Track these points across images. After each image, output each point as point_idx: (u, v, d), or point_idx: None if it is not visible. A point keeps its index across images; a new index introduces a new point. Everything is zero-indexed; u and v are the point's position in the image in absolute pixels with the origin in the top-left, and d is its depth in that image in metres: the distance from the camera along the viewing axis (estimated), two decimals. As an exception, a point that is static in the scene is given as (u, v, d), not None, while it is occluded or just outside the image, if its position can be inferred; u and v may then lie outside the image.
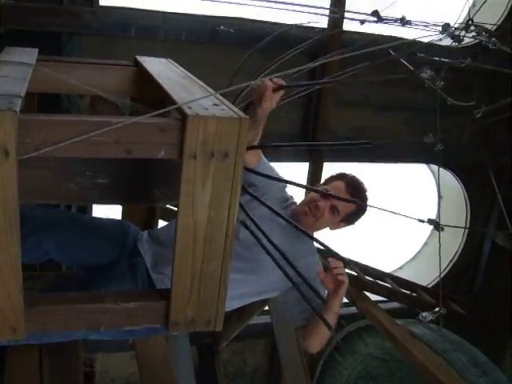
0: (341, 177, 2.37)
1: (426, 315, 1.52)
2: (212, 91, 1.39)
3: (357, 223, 2.43)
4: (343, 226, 2.41)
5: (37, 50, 2.00)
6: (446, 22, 2.10)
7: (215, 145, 1.20)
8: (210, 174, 1.23)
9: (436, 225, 1.34)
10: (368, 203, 2.38)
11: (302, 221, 2.30)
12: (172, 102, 1.30)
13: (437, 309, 1.52)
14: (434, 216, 5.93)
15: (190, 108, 1.22)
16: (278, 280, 2.06)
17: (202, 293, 1.37)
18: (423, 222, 1.39)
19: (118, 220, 2.39)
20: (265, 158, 2.34)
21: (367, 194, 2.38)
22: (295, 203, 2.43)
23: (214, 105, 1.30)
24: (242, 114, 1.24)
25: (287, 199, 2.44)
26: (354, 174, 2.39)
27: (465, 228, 5.65)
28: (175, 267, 1.33)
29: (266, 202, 2.21)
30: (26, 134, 1.13)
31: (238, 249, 2.00)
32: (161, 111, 1.17)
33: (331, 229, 2.39)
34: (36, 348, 2.50)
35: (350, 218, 2.36)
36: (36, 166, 1.47)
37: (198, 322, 1.40)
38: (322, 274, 2.10)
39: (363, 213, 2.39)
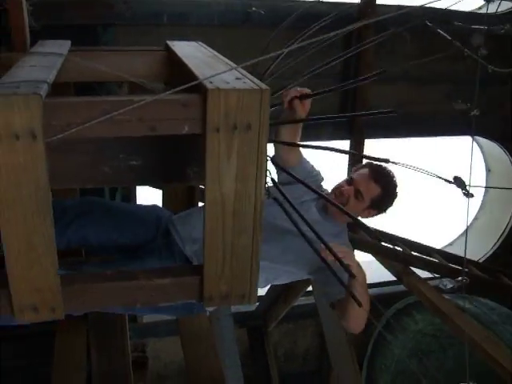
0: (367, 165, 2.38)
1: (446, 283, 1.50)
2: (235, 66, 1.39)
3: (388, 211, 2.41)
4: (374, 214, 2.40)
5: (69, 42, 2.04)
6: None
7: (237, 117, 1.21)
8: (234, 146, 1.23)
9: (462, 184, 1.30)
10: (394, 189, 2.36)
11: (330, 210, 2.33)
12: (195, 79, 1.31)
13: (459, 278, 1.49)
14: (482, 192, 5.80)
15: (211, 83, 1.23)
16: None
17: (235, 266, 1.38)
18: (451, 182, 1.35)
19: (149, 205, 2.46)
20: (305, 159, 2.39)
21: (395, 180, 2.36)
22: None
23: (237, 79, 1.30)
24: (263, 85, 1.24)
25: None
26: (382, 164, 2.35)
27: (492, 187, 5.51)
28: (206, 242, 1.34)
29: (302, 198, 2.31)
30: (52, 117, 1.16)
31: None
32: (180, 88, 1.18)
33: (362, 217, 2.38)
34: (83, 331, 2.58)
35: (379, 204, 2.35)
36: (70, 150, 1.51)
37: (232, 296, 1.42)
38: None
39: (391, 198, 2.37)
